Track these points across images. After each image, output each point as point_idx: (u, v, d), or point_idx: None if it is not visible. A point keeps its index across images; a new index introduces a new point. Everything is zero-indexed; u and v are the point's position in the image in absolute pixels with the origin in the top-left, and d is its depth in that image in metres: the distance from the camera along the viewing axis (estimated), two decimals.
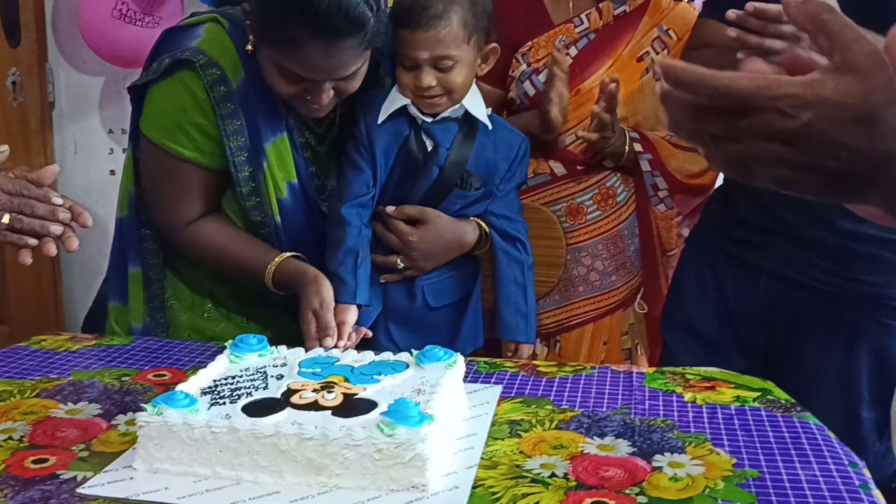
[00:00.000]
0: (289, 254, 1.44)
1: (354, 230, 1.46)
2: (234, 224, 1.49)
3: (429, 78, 1.42)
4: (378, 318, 1.52)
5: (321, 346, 1.31)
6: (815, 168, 0.61)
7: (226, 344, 1.21)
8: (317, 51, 1.28)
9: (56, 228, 1.12)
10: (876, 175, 0.61)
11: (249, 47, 1.38)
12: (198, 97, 1.39)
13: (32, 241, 1.12)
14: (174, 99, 1.41)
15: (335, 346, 1.32)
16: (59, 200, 1.13)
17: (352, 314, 1.41)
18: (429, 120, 1.48)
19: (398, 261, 1.51)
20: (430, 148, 1.49)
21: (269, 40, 1.32)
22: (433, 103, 1.45)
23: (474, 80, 1.51)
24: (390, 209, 1.50)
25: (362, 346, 1.43)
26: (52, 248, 1.12)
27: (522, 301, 1.56)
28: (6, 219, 1.10)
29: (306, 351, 1.24)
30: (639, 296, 1.83)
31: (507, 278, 1.55)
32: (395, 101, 1.47)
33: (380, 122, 1.47)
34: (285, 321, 1.50)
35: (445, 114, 1.48)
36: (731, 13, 1.34)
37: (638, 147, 1.74)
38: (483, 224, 1.55)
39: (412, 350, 1.19)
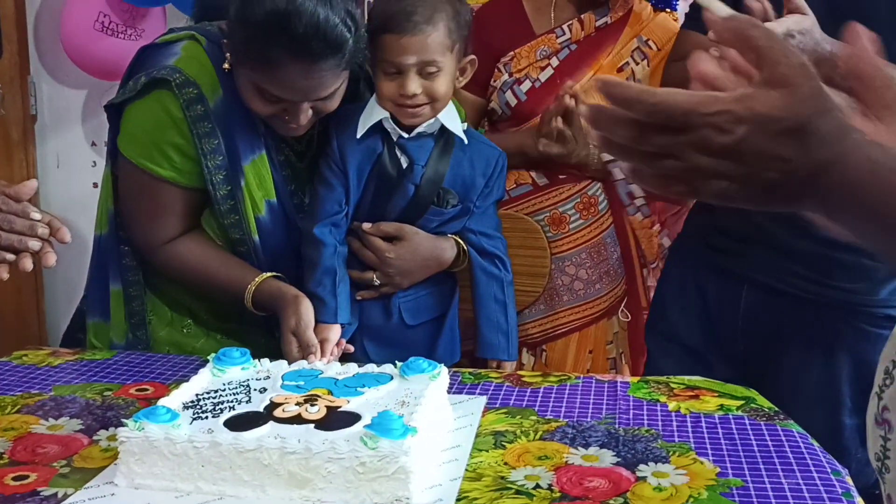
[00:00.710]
0: (268, 274, 1.43)
1: (329, 250, 1.45)
2: (214, 242, 1.48)
3: (414, 85, 1.40)
4: (354, 335, 1.51)
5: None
6: (753, 180, 0.63)
7: (208, 357, 1.21)
8: (295, 72, 1.28)
9: (34, 244, 1.11)
10: (810, 183, 0.63)
11: (226, 66, 1.37)
12: (174, 116, 1.38)
13: (10, 257, 1.11)
14: (151, 118, 1.40)
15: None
16: (37, 215, 1.13)
17: (334, 332, 1.40)
18: (405, 136, 1.47)
19: (374, 277, 1.50)
20: (405, 165, 1.47)
21: (246, 61, 1.31)
22: (416, 112, 1.44)
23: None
24: (366, 226, 1.49)
25: (342, 360, 1.43)
26: (28, 264, 1.11)
27: (503, 318, 1.54)
28: None
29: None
30: (622, 304, 1.83)
31: (487, 296, 1.54)
32: (374, 113, 1.45)
33: (359, 136, 1.45)
34: (265, 338, 1.49)
35: (421, 128, 1.46)
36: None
37: (607, 155, 1.74)
38: (461, 241, 1.54)
39: (396, 362, 1.19)
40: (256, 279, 1.41)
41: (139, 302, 1.52)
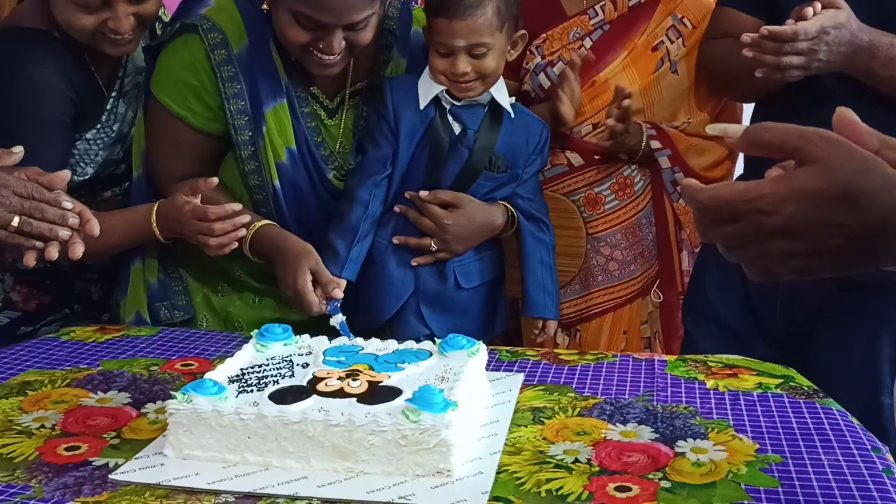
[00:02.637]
0: (267, 221, 1.50)
1: (360, 208, 1.51)
2: (223, 188, 1.55)
3: (464, 65, 1.47)
4: (408, 300, 1.56)
5: (329, 297, 1.39)
6: (818, 251, 0.66)
7: (251, 334, 1.23)
8: None
9: (64, 233, 1.12)
10: (876, 238, 0.64)
11: (265, 6, 1.46)
12: (197, 58, 1.48)
13: (39, 245, 1.12)
14: (177, 59, 1.50)
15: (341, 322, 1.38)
16: (69, 205, 1.14)
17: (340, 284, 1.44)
18: (457, 103, 1.52)
19: (432, 243, 1.54)
20: (457, 131, 1.53)
21: None
22: (467, 87, 1.50)
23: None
24: (423, 194, 1.54)
25: (391, 331, 1.49)
26: (53, 252, 1.12)
27: (549, 280, 1.62)
28: (16, 221, 1.10)
29: (307, 310, 1.35)
30: (655, 285, 1.83)
31: (534, 259, 1.61)
32: (433, 87, 1.51)
33: (422, 106, 1.51)
34: None
35: (472, 98, 1.53)
36: (746, 37, 1.36)
37: (656, 144, 1.75)
38: (510, 207, 1.59)
39: (435, 339, 1.21)
40: (257, 223, 1.48)
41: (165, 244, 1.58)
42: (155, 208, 1.46)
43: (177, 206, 1.42)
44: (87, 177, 1.54)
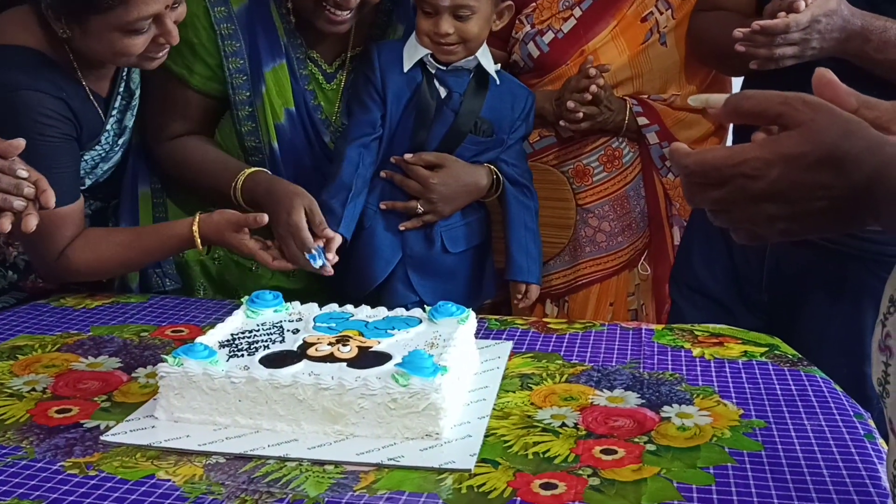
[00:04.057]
0: (257, 168, 1.48)
1: (351, 167, 1.51)
2: (216, 145, 1.55)
3: (446, 25, 1.48)
4: (396, 268, 1.56)
5: (319, 235, 1.38)
6: (805, 213, 0.66)
7: (242, 300, 1.24)
8: None
9: (19, 203, 1.08)
10: (861, 200, 0.65)
11: None
12: (197, 15, 1.47)
13: None
14: None
15: (323, 264, 1.38)
16: (24, 174, 1.09)
17: (335, 240, 1.42)
18: (443, 68, 1.53)
19: (418, 206, 1.55)
20: (443, 95, 1.54)
21: None
22: (449, 51, 1.51)
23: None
24: (408, 156, 1.54)
25: (379, 297, 1.48)
26: (6, 224, 1.08)
27: (533, 244, 1.63)
28: None
29: (299, 246, 1.34)
30: (643, 257, 1.84)
31: (518, 223, 1.62)
32: (418, 50, 1.52)
33: (406, 69, 1.52)
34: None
35: (458, 64, 1.53)
36: (738, 32, 1.37)
37: (643, 120, 1.75)
38: (494, 169, 1.60)
39: (425, 306, 1.21)
40: (248, 170, 1.47)
41: (161, 209, 1.60)
42: (197, 231, 1.40)
43: (234, 245, 1.40)
44: (84, 187, 1.50)
